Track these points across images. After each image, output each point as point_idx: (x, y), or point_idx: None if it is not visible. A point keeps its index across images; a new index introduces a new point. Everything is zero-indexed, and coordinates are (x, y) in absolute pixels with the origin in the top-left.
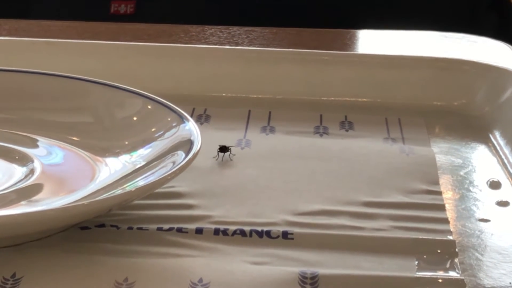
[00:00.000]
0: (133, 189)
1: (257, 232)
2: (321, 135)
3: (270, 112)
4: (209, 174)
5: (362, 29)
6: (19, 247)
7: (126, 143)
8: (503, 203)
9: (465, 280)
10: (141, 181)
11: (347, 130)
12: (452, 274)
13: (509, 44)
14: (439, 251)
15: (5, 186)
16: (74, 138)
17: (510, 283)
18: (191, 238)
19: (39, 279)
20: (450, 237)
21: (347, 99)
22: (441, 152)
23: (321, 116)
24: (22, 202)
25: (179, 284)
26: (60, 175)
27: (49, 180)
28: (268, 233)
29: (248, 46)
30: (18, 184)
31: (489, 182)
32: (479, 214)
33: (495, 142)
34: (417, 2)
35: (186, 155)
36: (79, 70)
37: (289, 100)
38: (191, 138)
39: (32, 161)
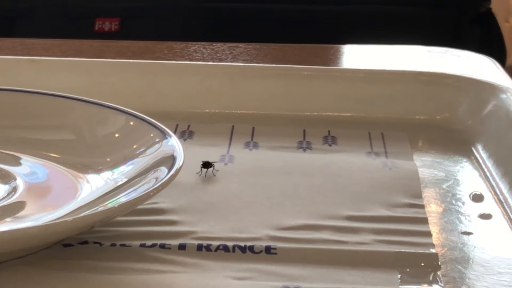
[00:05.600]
0: (115, 206)
1: (240, 247)
2: (304, 150)
3: (253, 128)
4: (192, 190)
5: (345, 44)
6: (1, 265)
7: (108, 159)
8: (485, 216)
9: None
10: (123, 198)
11: (330, 145)
12: (435, 287)
13: (492, 57)
14: (422, 264)
15: None
16: (56, 155)
17: None
18: (174, 254)
19: None
20: (433, 250)
21: (330, 114)
22: (424, 165)
23: (304, 131)
24: (7, 219)
25: None
26: (42, 192)
27: (31, 197)
28: (251, 248)
29: (231, 62)
30: (0, 202)
31: (471, 195)
32: (461, 227)
33: (477, 156)
34: (401, 16)
35: (169, 171)
36: (62, 88)
37: (272, 115)
38: (174, 154)
39: (15, 179)
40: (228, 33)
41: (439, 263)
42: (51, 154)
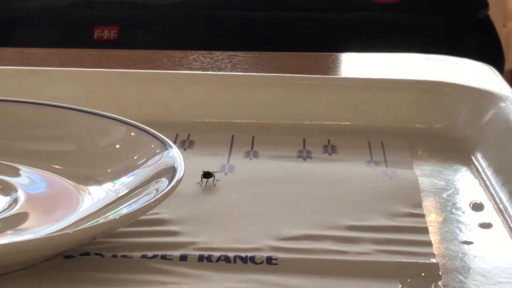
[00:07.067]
0: (117, 217)
1: (241, 258)
2: (304, 159)
3: (253, 137)
4: (193, 200)
5: (343, 52)
6: (3, 277)
7: (109, 171)
8: (486, 225)
9: None
10: (124, 209)
11: (330, 154)
12: None
13: (490, 63)
14: (422, 274)
15: None
16: (57, 167)
17: None
18: (175, 265)
19: None
20: (434, 260)
21: (330, 122)
22: (424, 174)
23: (304, 140)
24: (9, 232)
25: None
26: (43, 204)
27: (32, 209)
28: (252, 259)
29: (231, 71)
30: (1, 214)
31: (471, 204)
32: (462, 237)
33: (477, 164)
34: (399, 23)
35: (170, 182)
36: (62, 98)
37: (272, 124)
38: (175, 165)
39: (16, 191)
40: (227, 42)
41: (440, 273)
42: (52, 165)
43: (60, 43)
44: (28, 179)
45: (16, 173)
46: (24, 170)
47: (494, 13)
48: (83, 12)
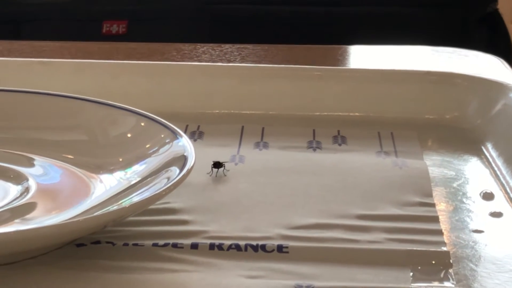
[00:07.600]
0: (128, 205)
1: (252, 246)
2: (314, 150)
3: (263, 128)
4: (203, 190)
5: (353, 44)
6: (15, 265)
7: (121, 159)
8: (496, 214)
9: None
10: (136, 197)
11: (340, 145)
12: (447, 284)
13: (500, 57)
14: (433, 262)
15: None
16: (69, 156)
17: None
18: (186, 254)
19: None
20: (444, 248)
21: (339, 113)
22: (434, 164)
23: (314, 131)
24: (16, 220)
25: None
26: (55, 193)
27: (44, 198)
28: (263, 247)
29: (240, 63)
30: (13, 203)
31: (482, 194)
32: (472, 225)
33: (487, 154)
34: (408, 17)
35: (180, 170)
36: (72, 89)
37: (282, 115)
38: (185, 154)
39: (27, 180)
40: (235, 36)
41: (451, 261)
42: (64, 155)
43: (68, 38)
44: (39, 169)
45: (28, 162)
46: (36, 159)
47: (502, 7)
48: (92, 6)
